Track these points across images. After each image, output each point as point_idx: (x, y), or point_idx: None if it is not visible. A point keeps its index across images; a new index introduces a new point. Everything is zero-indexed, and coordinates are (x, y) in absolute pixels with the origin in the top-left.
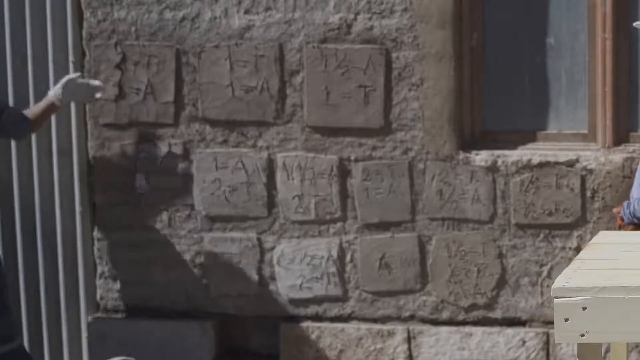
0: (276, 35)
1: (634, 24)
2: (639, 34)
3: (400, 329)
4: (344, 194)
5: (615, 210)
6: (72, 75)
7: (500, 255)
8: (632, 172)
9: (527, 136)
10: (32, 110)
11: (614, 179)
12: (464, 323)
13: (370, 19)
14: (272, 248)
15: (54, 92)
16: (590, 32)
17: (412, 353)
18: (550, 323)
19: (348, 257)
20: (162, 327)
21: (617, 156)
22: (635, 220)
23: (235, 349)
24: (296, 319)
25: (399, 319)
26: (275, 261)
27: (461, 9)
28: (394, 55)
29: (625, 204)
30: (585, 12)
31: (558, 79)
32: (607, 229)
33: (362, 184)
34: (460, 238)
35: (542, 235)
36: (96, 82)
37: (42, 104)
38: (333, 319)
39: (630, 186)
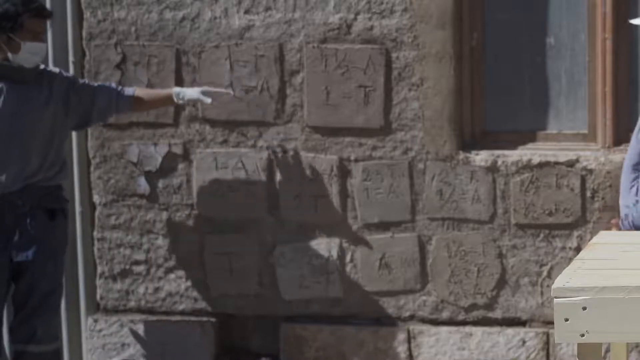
0: (276, 35)
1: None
2: (639, 34)
3: (400, 329)
4: (344, 194)
5: (613, 221)
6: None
7: (500, 255)
8: None
9: (527, 136)
10: (148, 91)
11: (614, 179)
12: (464, 323)
13: (370, 19)
14: (272, 248)
15: (184, 91)
16: (590, 32)
17: (412, 353)
18: (550, 323)
19: (348, 257)
20: (162, 327)
21: (617, 156)
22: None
23: (235, 349)
24: (296, 319)
25: (399, 319)
26: (275, 261)
27: (461, 9)
28: (394, 55)
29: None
30: (585, 12)
31: (558, 79)
32: (607, 229)
33: (362, 184)
34: (460, 238)
35: (542, 235)
36: (208, 100)
37: (162, 92)
38: (333, 319)
39: None
